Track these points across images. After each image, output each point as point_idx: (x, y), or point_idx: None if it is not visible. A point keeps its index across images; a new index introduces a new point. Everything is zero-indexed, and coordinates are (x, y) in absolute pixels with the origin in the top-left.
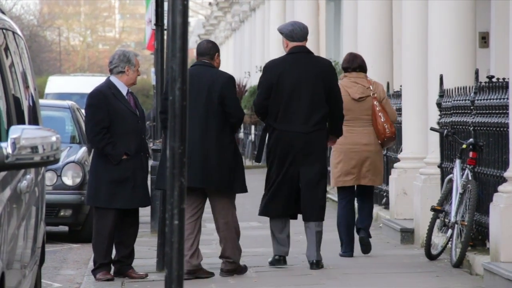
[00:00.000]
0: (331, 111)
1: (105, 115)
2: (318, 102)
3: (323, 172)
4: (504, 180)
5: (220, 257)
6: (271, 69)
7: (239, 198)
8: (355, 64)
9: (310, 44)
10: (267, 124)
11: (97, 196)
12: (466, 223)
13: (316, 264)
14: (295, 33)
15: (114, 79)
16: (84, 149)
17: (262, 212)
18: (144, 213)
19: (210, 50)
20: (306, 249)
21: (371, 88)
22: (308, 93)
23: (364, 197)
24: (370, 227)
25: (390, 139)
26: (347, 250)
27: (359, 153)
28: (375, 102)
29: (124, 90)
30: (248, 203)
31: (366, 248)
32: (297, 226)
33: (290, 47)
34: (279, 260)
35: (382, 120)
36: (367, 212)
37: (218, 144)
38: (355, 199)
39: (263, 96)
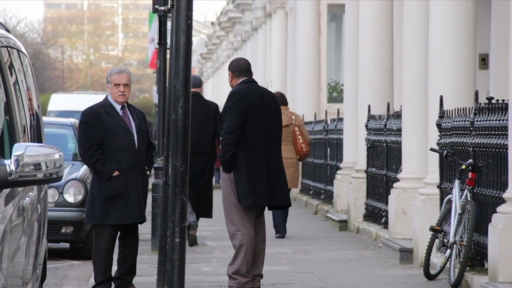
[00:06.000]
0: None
1: (95, 132)
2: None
3: None
4: (503, 201)
5: (255, 275)
6: None
7: None
8: (281, 100)
9: (311, 65)
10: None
11: (93, 214)
12: (464, 243)
13: None
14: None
15: (110, 96)
16: (86, 166)
17: None
18: (145, 230)
19: (250, 67)
20: None
21: (293, 117)
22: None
23: None
24: (285, 223)
25: (305, 155)
26: (280, 231)
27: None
28: (296, 128)
29: (117, 106)
30: None
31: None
32: (297, 245)
33: None
34: None
35: (300, 141)
36: (285, 210)
37: (282, 160)
38: None
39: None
